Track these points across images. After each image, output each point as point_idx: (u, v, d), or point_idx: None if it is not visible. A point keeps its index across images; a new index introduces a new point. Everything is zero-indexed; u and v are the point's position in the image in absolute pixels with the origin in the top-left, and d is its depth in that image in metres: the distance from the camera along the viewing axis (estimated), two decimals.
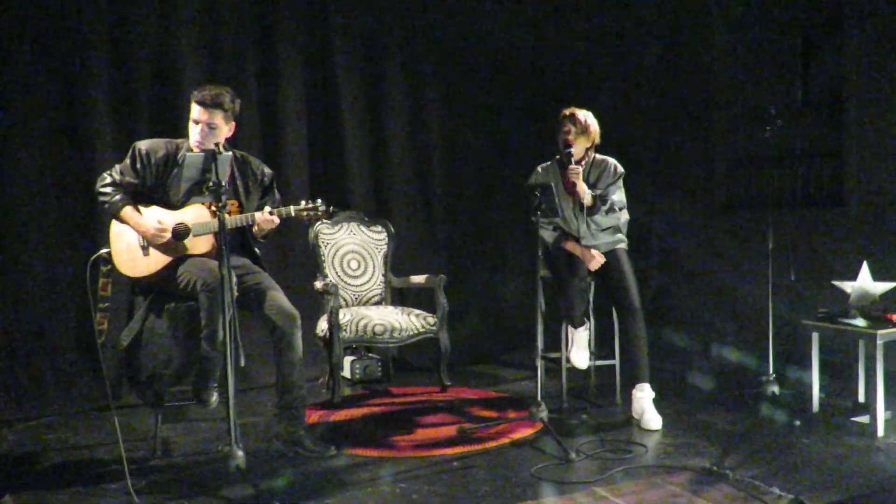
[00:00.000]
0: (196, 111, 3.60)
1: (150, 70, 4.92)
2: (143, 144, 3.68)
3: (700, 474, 3.36)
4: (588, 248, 4.28)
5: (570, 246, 4.34)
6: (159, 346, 3.60)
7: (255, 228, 3.70)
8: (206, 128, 3.59)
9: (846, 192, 5.03)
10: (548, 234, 4.38)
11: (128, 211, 3.60)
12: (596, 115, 4.36)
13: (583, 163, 4.31)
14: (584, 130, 4.26)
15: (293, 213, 3.67)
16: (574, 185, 4.22)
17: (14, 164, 4.65)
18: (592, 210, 4.23)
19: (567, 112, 4.28)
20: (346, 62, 5.60)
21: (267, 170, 3.92)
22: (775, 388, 4.55)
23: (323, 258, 5.06)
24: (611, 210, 4.26)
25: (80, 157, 4.75)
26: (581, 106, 4.36)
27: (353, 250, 5.17)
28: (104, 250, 3.64)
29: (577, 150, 4.24)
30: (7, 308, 4.64)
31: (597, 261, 4.26)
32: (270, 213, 3.64)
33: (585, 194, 4.18)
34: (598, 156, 4.38)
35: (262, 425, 4.13)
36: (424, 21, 5.88)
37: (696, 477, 3.33)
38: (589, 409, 4.35)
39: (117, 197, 3.60)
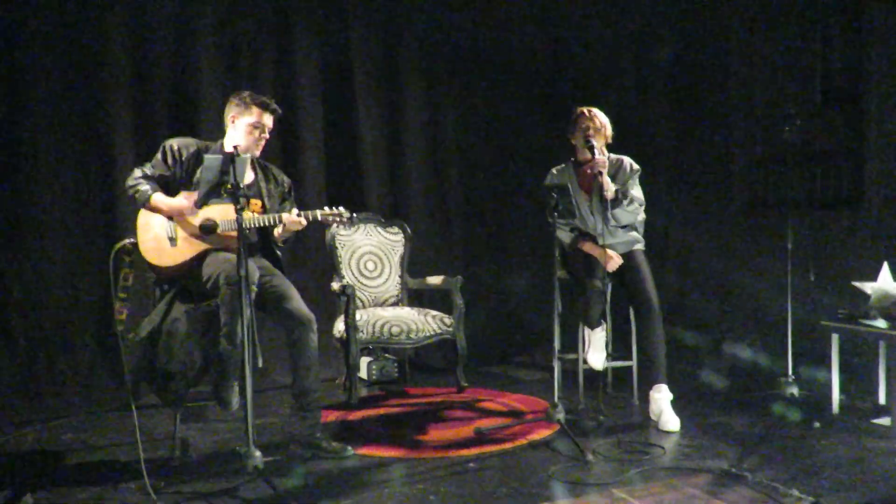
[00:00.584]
0: (262, 117, 3.71)
1: (170, 69, 4.97)
2: (174, 141, 3.73)
3: (718, 476, 3.33)
4: (605, 248, 4.27)
5: (587, 247, 4.33)
6: (179, 347, 3.58)
7: (279, 231, 3.74)
8: (267, 134, 3.74)
9: (866, 193, 4.97)
10: (565, 236, 4.38)
11: (158, 196, 3.63)
12: (611, 115, 4.39)
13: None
14: (602, 127, 4.30)
15: (318, 217, 3.70)
16: (592, 181, 4.23)
17: (33, 160, 4.69)
18: (615, 203, 4.22)
19: (584, 109, 4.32)
20: (363, 63, 5.61)
21: (286, 178, 3.99)
22: (794, 390, 4.52)
23: (340, 259, 5.06)
24: (631, 203, 4.26)
25: (98, 152, 4.78)
26: (596, 106, 4.38)
27: (369, 251, 5.17)
28: (128, 240, 3.65)
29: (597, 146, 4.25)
30: (27, 308, 4.67)
31: (615, 262, 4.25)
32: (298, 215, 3.66)
33: (609, 187, 4.17)
34: (613, 155, 4.39)
35: (280, 426, 4.13)
36: (441, 22, 5.89)
37: (714, 479, 3.31)
38: (606, 411, 4.31)
39: (147, 187, 3.62)
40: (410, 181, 5.86)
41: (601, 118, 4.31)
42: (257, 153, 3.76)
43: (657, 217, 4.44)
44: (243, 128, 3.70)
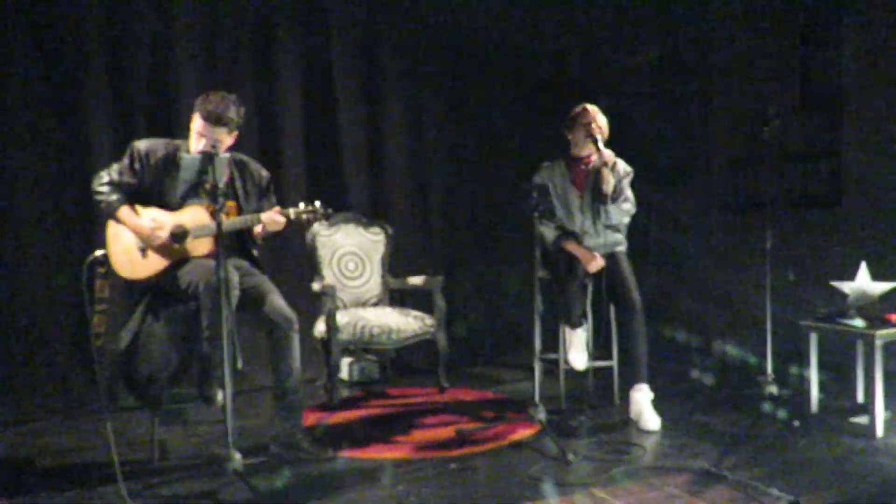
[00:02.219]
0: (200, 125, 3.56)
1: (147, 72, 4.91)
2: (141, 144, 3.64)
3: (699, 475, 3.35)
4: (589, 249, 4.26)
5: (570, 246, 4.32)
6: (157, 348, 3.57)
7: (260, 229, 3.68)
8: (209, 142, 3.57)
9: (845, 193, 5.02)
10: (549, 233, 4.36)
11: (124, 211, 3.56)
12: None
13: (593, 158, 4.30)
14: (602, 126, 4.30)
15: (292, 216, 3.64)
16: (587, 177, 4.28)
17: (9, 165, 4.62)
18: (613, 198, 4.22)
19: (587, 106, 4.32)
20: (344, 60, 5.57)
21: (264, 172, 3.90)
22: (774, 389, 4.53)
23: (320, 260, 5.03)
24: (626, 202, 4.30)
25: (75, 157, 4.73)
26: (578, 102, 4.38)
27: (350, 251, 5.14)
28: (100, 252, 3.59)
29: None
30: (3, 310, 4.61)
31: (597, 263, 4.25)
32: (278, 214, 3.60)
33: (610, 181, 4.18)
34: None
35: (260, 428, 4.08)
36: (423, 20, 5.85)
37: (694, 478, 3.32)
38: (587, 411, 4.31)
39: (114, 197, 3.55)
40: (392, 180, 5.82)
41: (602, 118, 4.32)
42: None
43: (637, 214, 4.46)
44: (192, 132, 3.60)
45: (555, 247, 4.36)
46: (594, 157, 4.29)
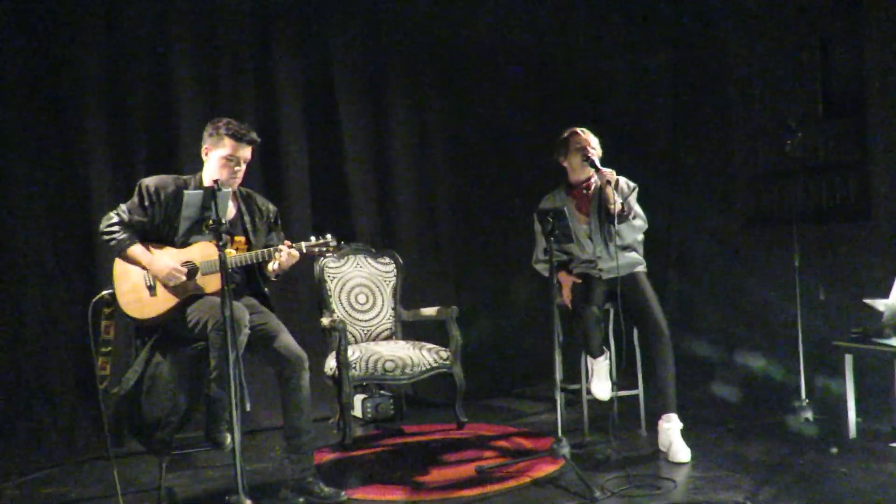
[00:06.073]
0: (239, 148, 3.58)
1: (147, 105, 4.90)
2: (150, 181, 3.61)
3: None
4: (570, 279, 4.24)
5: (561, 276, 4.26)
6: (163, 391, 3.51)
7: (275, 266, 3.62)
8: (244, 166, 3.61)
9: (873, 205, 4.92)
10: (542, 268, 4.33)
11: (137, 250, 3.51)
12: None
13: (593, 180, 4.23)
14: (596, 147, 4.23)
15: (304, 250, 3.60)
16: (590, 203, 4.20)
17: (11, 205, 4.61)
18: (622, 216, 4.09)
19: (575, 129, 4.27)
20: (347, 89, 5.55)
21: (271, 206, 3.88)
22: (809, 414, 4.42)
23: (329, 293, 4.96)
24: (636, 218, 4.19)
25: (77, 196, 4.70)
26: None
27: (360, 284, 5.07)
28: (106, 291, 3.55)
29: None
30: (4, 354, 4.56)
31: (566, 292, 4.23)
32: (290, 247, 3.54)
33: (616, 199, 4.04)
34: None
35: (271, 471, 4.04)
36: (426, 43, 5.82)
37: None
38: (613, 443, 4.23)
39: (124, 235, 3.51)
40: (401, 209, 5.76)
41: (594, 138, 4.27)
42: (234, 186, 3.65)
43: (658, 222, 4.32)
44: (216, 161, 3.59)
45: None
46: (594, 179, 4.21)
